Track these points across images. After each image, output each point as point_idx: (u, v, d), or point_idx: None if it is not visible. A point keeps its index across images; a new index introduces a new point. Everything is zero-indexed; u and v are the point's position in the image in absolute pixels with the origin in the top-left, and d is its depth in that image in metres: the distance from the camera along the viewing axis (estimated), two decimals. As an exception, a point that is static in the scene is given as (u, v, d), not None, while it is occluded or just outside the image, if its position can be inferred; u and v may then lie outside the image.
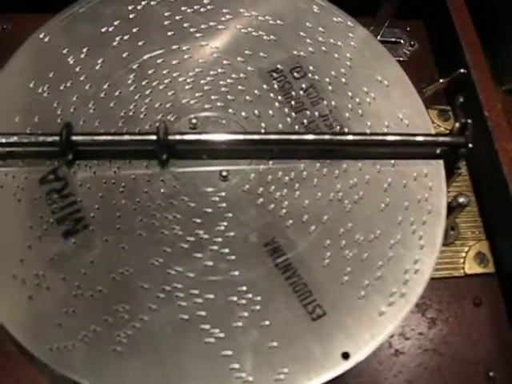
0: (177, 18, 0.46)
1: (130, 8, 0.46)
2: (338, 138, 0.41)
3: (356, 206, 0.39)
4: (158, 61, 0.45)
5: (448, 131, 0.44)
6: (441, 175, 0.41)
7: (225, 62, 0.45)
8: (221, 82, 0.44)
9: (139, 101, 0.43)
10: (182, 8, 0.47)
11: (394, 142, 0.41)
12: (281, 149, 0.41)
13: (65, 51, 0.44)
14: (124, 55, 0.45)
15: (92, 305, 0.35)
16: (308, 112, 0.43)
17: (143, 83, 0.44)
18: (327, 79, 0.44)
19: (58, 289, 0.36)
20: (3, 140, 0.39)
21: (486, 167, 0.48)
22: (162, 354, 0.34)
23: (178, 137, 0.39)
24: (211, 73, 0.44)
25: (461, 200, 0.42)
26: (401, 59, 0.57)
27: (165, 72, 0.44)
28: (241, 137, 0.41)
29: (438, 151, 0.42)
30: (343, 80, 0.44)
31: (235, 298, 0.36)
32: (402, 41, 0.58)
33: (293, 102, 0.43)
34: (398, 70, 0.45)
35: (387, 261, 0.38)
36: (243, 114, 0.43)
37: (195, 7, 0.47)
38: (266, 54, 0.45)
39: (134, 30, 0.46)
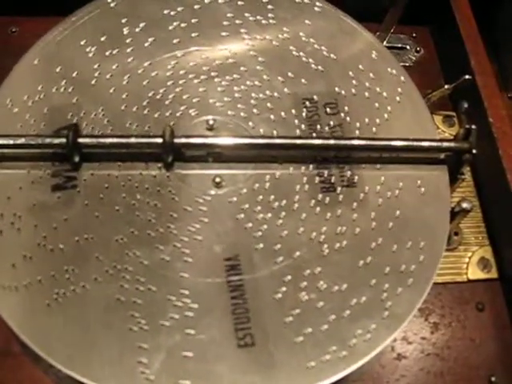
0: (236, 21, 0.47)
1: (165, 12, 0.47)
2: (344, 142, 0.41)
3: (334, 254, 0.38)
4: (203, 56, 0.45)
5: (453, 137, 0.44)
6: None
7: (265, 76, 0.45)
8: (253, 94, 0.44)
9: (170, 87, 0.44)
10: (246, 14, 0.47)
11: (398, 147, 0.41)
12: (286, 155, 0.42)
13: (123, 20, 0.46)
14: (174, 41, 0.46)
15: (48, 258, 0.37)
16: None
17: (181, 72, 0.44)
18: (358, 124, 0.43)
19: (26, 233, 0.38)
20: (10, 142, 0.39)
21: (490, 173, 0.48)
22: (86, 323, 0.35)
23: (183, 140, 0.40)
24: (247, 83, 0.44)
25: (464, 205, 0.42)
26: (406, 65, 0.57)
27: (204, 68, 0.45)
28: (246, 141, 0.41)
29: (443, 156, 0.42)
30: (374, 129, 0.43)
31: (174, 298, 0.36)
32: (408, 47, 0.58)
33: (314, 135, 0.43)
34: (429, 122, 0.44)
35: (339, 318, 0.36)
36: (261, 130, 0.43)
37: (258, 17, 0.47)
38: (307, 82, 0.45)
39: (193, 21, 0.46)
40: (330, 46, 0.46)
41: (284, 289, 0.37)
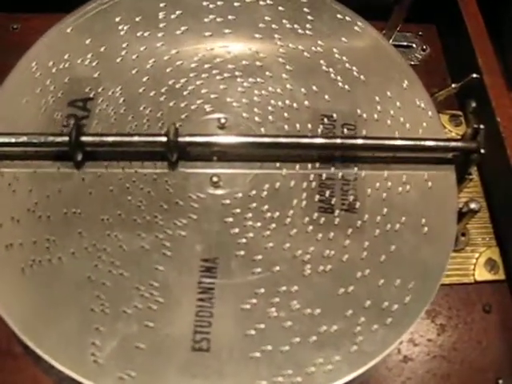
0: (273, 26, 0.47)
1: (204, 3, 0.47)
2: (349, 142, 0.41)
3: (315, 276, 0.37)
4: (231, 54, 0.45)
5: (459, 136, 0.44)
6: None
7: (288, 85, 0.44)
8: (272, 101, 0.44)
9: (192, 79, 0.44)
10: (284, 20, 0.47)
11: (405, 146, 0.41)
12: (290, 153, 0.41)
13: (162, 5, 0.47)
14: (206, 34, 0.46)
15: (34, 224, 0.38)
16: (332, 168, 0.41)
17: (205, 66, 0.45)
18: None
19: (20, 196, 0.38)
20: (12, 140, 0.39)
21: (498, 173, 0.48)
22: (52, 294, 0.36)
23: (188, 138, 0.39)
24: (269, 88, 0.44)
25: (472, 206, 0.41)
26: (412, 63, 0.56)
27: (230, 66, 0.45)
28: (250, 139, 0.40)
29: (450, 156, 0.42)
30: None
31: (142, 288, 0.36)
32: (414, 45, 0.58)
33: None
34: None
35: (304, 342, 0.35)
36: None
37: (295, 26, 0.47)
38: (330, 99, 0.44)
39: (230, 17, 0.47)
40: (362, 67, 0.45)
41: (254, 301, 0.36)
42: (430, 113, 0.44)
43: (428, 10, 0.56)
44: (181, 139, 0.39)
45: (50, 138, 0.39)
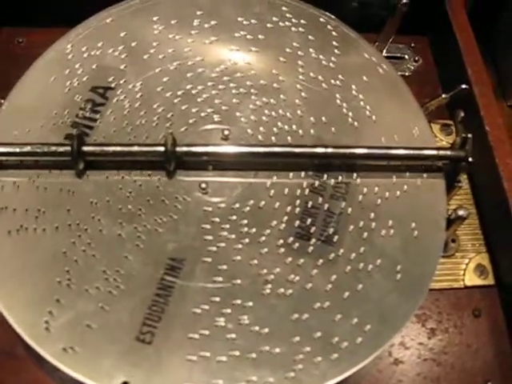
0: (299, 52, 0.47)
1: (273, 19, 0.49)
2: (342, 151, 0.42)
3: (273, 297, 0.38)
4: (252, 71, 0.46)
5: (450, 145, 0.45)
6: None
7: (299, 112, 0.45)
8: (279, 123, 0.44)
9: (208, 88, 0.45)
10: (310, 49, 0.48)
11: (396, 155, 0.42)
12: (286, 162, 0.42)
13: (199, 13, 0.48)
14: (233, 47, 0.47)
15: (31, 193, 0.40)
16: (320, 198, 0.41)
17: (224, 78, 0.46)
18: (365, 189, 0.42)
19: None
20: (16, 150, 0.40)
21: (487, 181, 0.49)
22: (28, 259, 0.38)
23: (185, 148, 0.41)
24: (280, 111, 0.45)
25: (460, 213, 0.42)
26: (405, 74, 0.58)
27: (247, 83, 0.46)
28: (246, 149, 0.41)
29: (440, 164, 0.43)
30: (379, 201, 0.41)
31: (109, 273, 0.38)
32: (407, 56, 0.59)
33: (317, 182, 0.42)
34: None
35: (242, 357, 0.35)
36: None
37: (320, 56, 0.47)
38: (336, 132, 0.44)
39: (260, 37, 0.48)
40: (375, 108, 0.45)
41: (206, 307, 0.37)
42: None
43: (420, 22, 0.57)
44: (178, 149, 0.40)
45: (53, 148, 0.40)
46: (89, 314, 0.36)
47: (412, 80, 0.56)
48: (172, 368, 0.35)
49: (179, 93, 0.45)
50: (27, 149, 0.40)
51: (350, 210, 0.41)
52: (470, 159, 0.42)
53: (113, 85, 0.45)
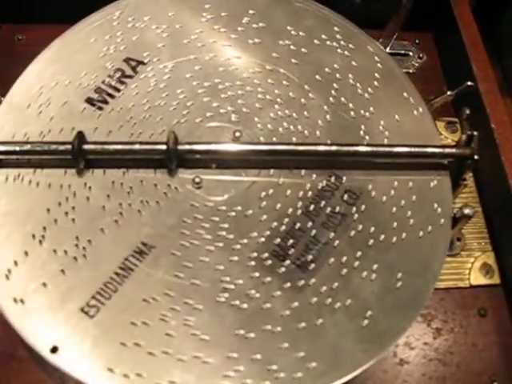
0: (337, 75, 0.46)
1: (322, 36, 0.47)
2: (346, 149, 0.41)
3: (224, 306, 0.37)
4: (284, 82, 0.45)
5: (455, 143, 0.45)
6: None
7: (317, 132, 0.43)
8: (293, 138, 0.43)
9: (235, 87, 0.45)
10: (350, 75, 0.46)
11: (400, 153, 0.42)
12: (288, 160, 0.42)
13: (251, 11, 0.48)
14: (274, 54, 0.46)
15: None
16: (310, 222, 0.40)
17: (255, 81, 0.45)
18: (360, 227, 0.40)
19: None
20: (17, 148, 0.40)
21: (493, 179, 0.48)
22: (13, 204, 0.39)
23: (187, 146, 0.40)
24: (299, 127, 0.43)
25: (466, 211, 0.42)
26: (410, 71, 0.57)
27: (276, 92, 0.45)
28: (249, 147, 0.41)
29: (445, 162, 0.42)
30: (371, 241, 0.39)
31: (80, 239, 0.38)
32: (411, 53, 0.58)
33: (312, 207, 0.40)
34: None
35: (170, 355, 0.35)
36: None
37: (357, 85, 0.46)
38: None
39: (303, 50, 0.47)
40: (390, 126, 0.44)
41: (159, 298, 0.36)
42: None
43: (425, 19, 0.57)
44: (180, 147, 0.40)
45: (54, 146, 0.40)
46: (48, 273, 0.37)
47: (416, 77, 0.55)
48: (104, 348, 0.35)
49: (206, 84, 0.45)
50: (27, 147, 0.40)
51: (337, 242, 0.39)
52: (476, 157, 0.41)
53: (146, 60, 0.45)
